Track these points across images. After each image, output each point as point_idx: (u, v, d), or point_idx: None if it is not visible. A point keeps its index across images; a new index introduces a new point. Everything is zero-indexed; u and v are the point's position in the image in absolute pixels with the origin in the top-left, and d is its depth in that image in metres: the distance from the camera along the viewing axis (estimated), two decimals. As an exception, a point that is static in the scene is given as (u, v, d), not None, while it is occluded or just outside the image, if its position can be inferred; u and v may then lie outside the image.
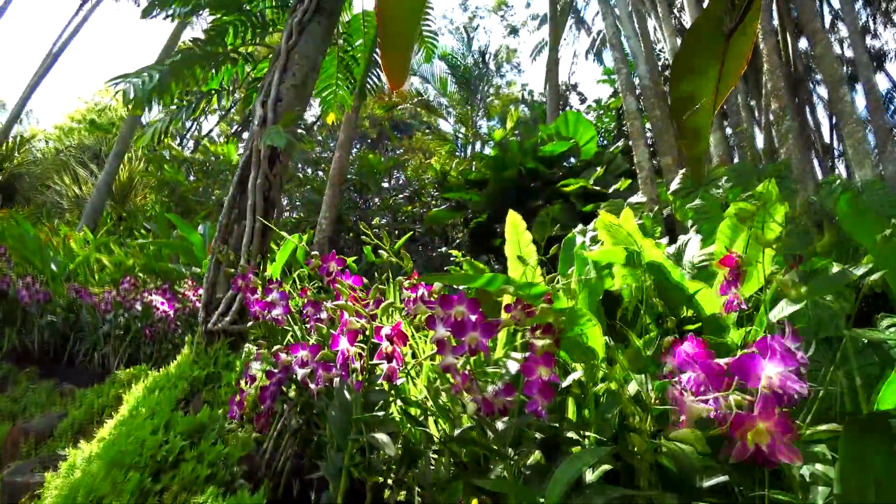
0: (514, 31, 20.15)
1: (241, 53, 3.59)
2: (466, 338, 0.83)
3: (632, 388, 1.36)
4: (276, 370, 1.29)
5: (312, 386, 1.14)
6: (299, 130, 2.53)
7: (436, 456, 1.23)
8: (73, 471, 1.49)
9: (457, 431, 1.13)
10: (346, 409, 0.94)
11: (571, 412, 1.45)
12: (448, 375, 1.01)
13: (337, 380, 1.03)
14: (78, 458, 1.53)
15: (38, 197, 13.34)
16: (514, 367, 1.45)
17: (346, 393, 0.97)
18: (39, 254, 4.12)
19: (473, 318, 0.87)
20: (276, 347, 1.12)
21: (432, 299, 1.03)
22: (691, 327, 1.75)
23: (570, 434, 1.26)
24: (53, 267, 4.35)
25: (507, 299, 1.66)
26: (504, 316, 1.17)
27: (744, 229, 1.78)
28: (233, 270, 1.55)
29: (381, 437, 0.84)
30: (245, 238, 2.48)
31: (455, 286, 1.26)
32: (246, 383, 1.32)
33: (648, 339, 1.59)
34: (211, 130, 21.20)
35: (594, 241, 2.22)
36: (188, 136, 20.38)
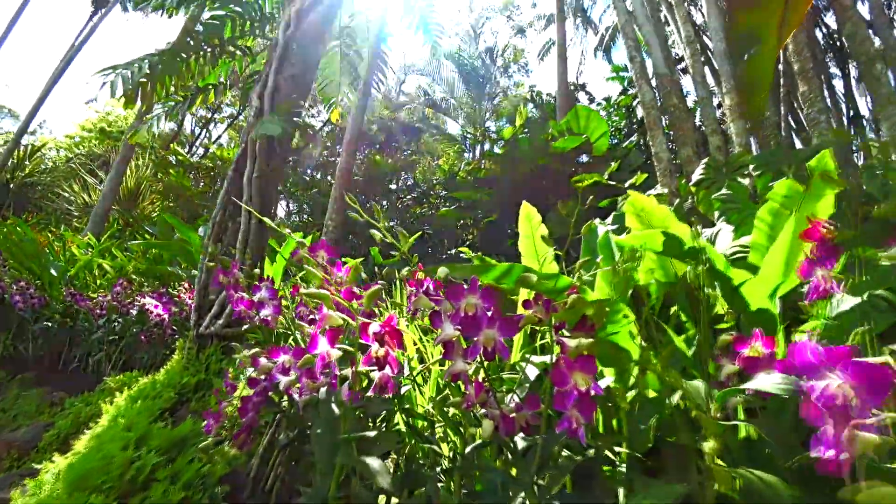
0: (520, 31, 19.94)
1: (239, 47, 3.46)
2: (481, 337, 0.65)
3: (675, 396, 1.17)
4: (260, 378, 1.12)
5: (297, 397, 0.97)
6: (295, 119, 2.37)
7: (444, 480, 1.05)
8: (40, 489, 1.33)
9: (468, 448, 0.95)
10: (333, 425, 0.76)
11: (597, 422, 1.26)
12: (459, 384, 0.83)
13: (324, 390, 0.85)
14: (47, 475, 1.38)
15: (48, 205, 13.44)
16: (533, 372, 1.27)
17: (333, 406, 0.80)
18: (38, 259, 4.02)
19: (489, 312, 0.69)
20: (253, 351, 0.95)
21: (439, 294, 0.85)
22: (724, 325, 1.56)
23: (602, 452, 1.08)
24: (53, 272, 4.25)
25: (523, 295, 1.47)
26: (522, 311, 0.99)
27: (787, 214, 1.58)
28: (212, 265, 1.40)
29: (373, 462, 0.67)
30: (240, 236, 2.33)
31: (464, 279, 1.09)
32: (226, 393, 1.15)
33: (686, 339, 1.40)
34: (219, 137, 21.30)
35: (618, 231, 2.03)
36: (198, 143, 20.50)
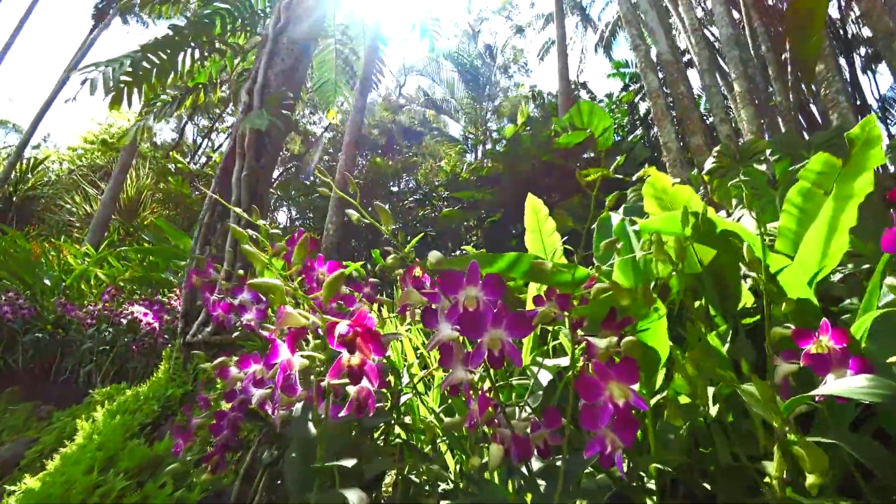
0: (519, 30, 19.82)
1: (229, 44, 3.35)
2: (485, 338, 0.51)
3: (713, 405, 1.02)
4: (237, 390, 0.98)
5: (275, 411, 0.83)
6: (284, 112, 2.25)
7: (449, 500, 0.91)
8: (2, 518, 1.21)
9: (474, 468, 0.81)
10: (307, 450, 0.62)
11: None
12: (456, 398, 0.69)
13: (299, 405, 0.72)
14: (11, 500, 1.25)
15: (51, 217, 13.44)
16: (546, 378, 1.12)
17: (309, 426, 0.66)
18: (30, 269, 3.92)
19: (494, 307, 0.55)
20: (220, 360, 0.82)
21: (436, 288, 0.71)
22: (749, 320, 1.42)
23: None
24: (47, 282, 4.15)
25: (533, 291, 1.33)
26: (531, 307, 0.85)
27: (819, 195, 1.43)
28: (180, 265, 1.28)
29: (353, 496, 0.53)
30: (229, 238, 2.21)
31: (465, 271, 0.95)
32: (198, 409, 1.02)
33: (717, 335, 1.26)
34: (221, 146, 21.31)
35: (633, 220, 1.88)
36: (200, 152, 20.53)
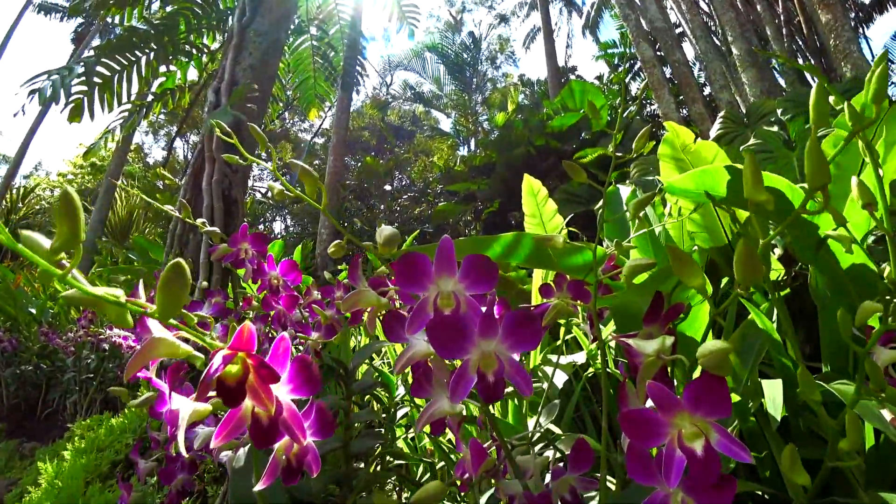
0: (503, 19, 19.56)
1: (197, 45, 3.16)
2: (472, 355, 0.34)
3: (772, 402, 0.84)
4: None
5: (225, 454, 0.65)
6: (250, 105, 2.06)
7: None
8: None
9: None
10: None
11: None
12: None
13: (243, 451, 0.54)
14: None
15: (45, 244, 13.29)
16: (561, 379, 0.95)
17: (251, 477, 0.48)
18: (12, 299, 3.75)
19: (484, 306, 0.37)
20: (146, 396, 0.64)
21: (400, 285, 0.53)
22: (784, 293, 1.24)
23: None
24: (32, 310, 3.99)
25: (539, 279, 1.15)
26: (539, 300, 0.66)
27: (857, 146, 1.24)
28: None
29: None
30: (202, 248, 2.03)
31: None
32: (148, 451, 0.85)
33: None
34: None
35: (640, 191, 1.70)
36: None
